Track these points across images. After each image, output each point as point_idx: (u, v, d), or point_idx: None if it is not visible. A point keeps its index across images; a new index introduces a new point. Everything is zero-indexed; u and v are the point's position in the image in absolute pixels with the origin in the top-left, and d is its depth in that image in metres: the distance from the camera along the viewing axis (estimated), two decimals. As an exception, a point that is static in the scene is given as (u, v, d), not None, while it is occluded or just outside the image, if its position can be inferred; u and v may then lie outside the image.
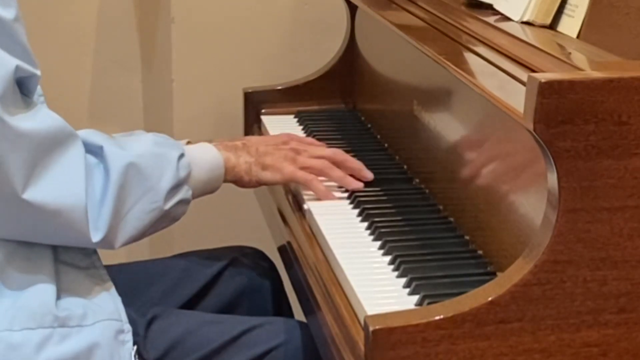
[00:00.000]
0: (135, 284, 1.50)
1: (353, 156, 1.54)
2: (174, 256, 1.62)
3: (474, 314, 1.02)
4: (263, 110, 1.89)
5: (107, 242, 1.24)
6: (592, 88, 0.99)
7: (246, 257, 1.60)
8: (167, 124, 2.16)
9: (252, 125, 1.89)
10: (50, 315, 1.20)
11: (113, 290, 1.28)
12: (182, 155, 1.31)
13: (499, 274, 1.19)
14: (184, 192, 1.31)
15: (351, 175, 1.49)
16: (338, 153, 1.50)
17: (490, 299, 1.03)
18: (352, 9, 1.90)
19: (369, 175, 1.49)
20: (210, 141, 1.46)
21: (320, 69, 1.94)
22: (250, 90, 1.91)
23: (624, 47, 1.19)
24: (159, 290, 1.52)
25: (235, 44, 2.17)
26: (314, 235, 1.39)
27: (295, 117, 1.87)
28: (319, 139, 1.68)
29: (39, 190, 1.17)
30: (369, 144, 1.69)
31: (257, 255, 1.62)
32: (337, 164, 1.48)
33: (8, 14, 1.16)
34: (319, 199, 1.45)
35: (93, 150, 1.24)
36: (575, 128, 1.00)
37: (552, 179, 1.02)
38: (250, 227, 1.99)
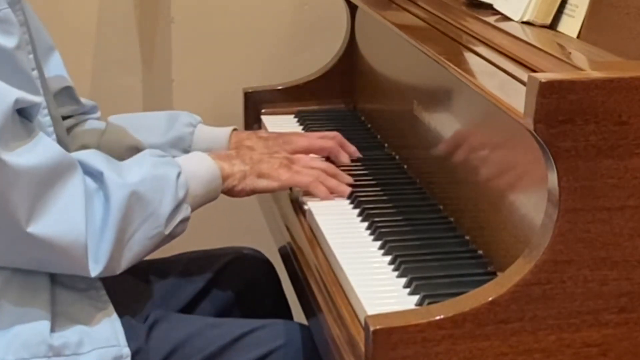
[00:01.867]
0: (136, 285, 1.50)
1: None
2: (174, 256, 1.62)
3: (474, 314, 1.02)
4: (263, 110, 1.89)
5: (108, 271, 1.23)
6: (592, 88, 0.99)
7: (244, 258, 1.60)
8: (167, 124, 2.16)
9: (252, 125, 1.89)
10: (44, 344, 1.19)
11: (112, 312, 1.27)
12: (179, 174, 1.29)
13: (499, 274, 1.19)
14: (184, 211, 1.29)
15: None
16: (331, 167, 1.48)
17: (490, 299, 1.03)
18: (352, 9, 1.90)
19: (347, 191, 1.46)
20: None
21: (320, 69, 1.94)
22: (250, 90, 1.91)
23: (624, 47, 1.19)
24: (159, 291, 1.52)
25: (235, 44, 2.18)
26: (314, 235, 1.39)
27: (295, 117, 1.87)
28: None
29: (43, 224, 1.16)
30: (369, 144, 1.69)
31: (256, 256, 1.62)
32: (330, 175, 1.46)
33: (9, 42, 1.16)
34: (320, 200, 1.44)
35: (93, 174, 1.23)
36: (575, 128, 1.00)
37: (553, 179, 1.02)
38: (250, 228, 1.99)
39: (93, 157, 1.25)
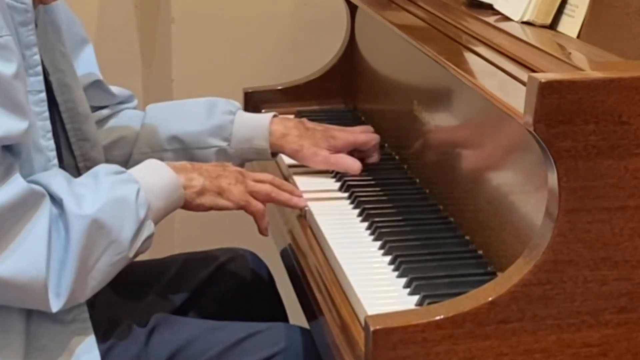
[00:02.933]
0: (132, 285, 1.50)
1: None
2: (169, 257, 1.62)
3: (474, 314, 1.02)
4: (263, 111, 1.89)
5: (71, 303, 1.20)
6: (592, 88, 0.99)
7: (239, 259, 1.60)
8: (167, 124, 2.16)
9: (252, 125, 1.89)
10: None
11: (93, 343, 1.24)
12: (138, 192, 1.24)
13: (499, 274, 1.19)
14: (147, 229, 1.25)
15: None
16: (276, 179, 1.45)
17: (490, 299, 1.03)
18: (352, 9, 1.90)
19: (302, 203, 1.45)
20: None
21: (320, 69, 1.94)
22: (250, 90, 1.91)
23: (624, 47, 1.19)
24: (154, 292, 1.52)
25: (235, 44, 2.18)
26: (314, 235, 1.39)
27: (295, 117, 1.87)
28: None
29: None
30: (369, 144, 1.69)
31: (250, 257, 1.62)
32: (277, 187, 1.44)
33: (8, 69, 1.13)
34: (314, 199, 1.44)
35: (54, 199, 1.19)
36: (575, 128, 1.00)
37: (552, 179, 1.02)
38: (246, 229, 1.99)
39: (55, 181, 1.21)
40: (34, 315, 1.22)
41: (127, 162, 1.51)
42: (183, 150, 1.55)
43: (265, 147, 1.56)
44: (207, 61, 2.17)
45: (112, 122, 1.57)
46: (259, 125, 1.56)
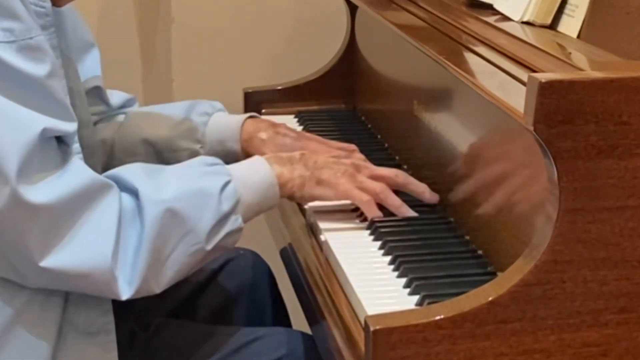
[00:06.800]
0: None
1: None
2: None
3: (474, 314, 1.02)
4: (263, 110, 1.89)
5: (144, 291, 1.17)
6: (592, 88, 0.99)
7: (241, 259, 1.59)
8: (167, 124, 2.16)
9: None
10: None
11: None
12: (227, 184, 1.21)
13: (499, 274, 1.19)
14: (231, 224, 1.22)
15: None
16: (400, 175, 1.40)
17: (490, 299, 1.03)
18: (352, 9, 1.90)
19: (434, 198, 1.40)
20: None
21: (320, 69, 1.94)
22: (250, 90, 1.91)
23: (624, 47, 1.19)
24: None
25: (236, 44, 2.18)
26: (314, 235, 1.39)
27: (295, 117, 1.87)
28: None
29: (59, 257, 1.10)
30: (369, 144, 1.69)
31: (252, 257, 1.61)
32: (399, 186, 1.39)
33: (40, 70, 1.09)
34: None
35: (131, 191, 1.17)
36: (575, 128, 1.00)
37: (552, 179, 1.02)
38: (248, 230, 1.98)
39: (132, 173, 1.19)
40: (65, 325, 1.18)
41: (105, 168, 1.45)
42: (155, 154, 1.51)
43: (237, 149, 1.51)
44: (207, 61, 2.17)
45: (97, 126, 1.53)
46: (230, 126, 1.51)
